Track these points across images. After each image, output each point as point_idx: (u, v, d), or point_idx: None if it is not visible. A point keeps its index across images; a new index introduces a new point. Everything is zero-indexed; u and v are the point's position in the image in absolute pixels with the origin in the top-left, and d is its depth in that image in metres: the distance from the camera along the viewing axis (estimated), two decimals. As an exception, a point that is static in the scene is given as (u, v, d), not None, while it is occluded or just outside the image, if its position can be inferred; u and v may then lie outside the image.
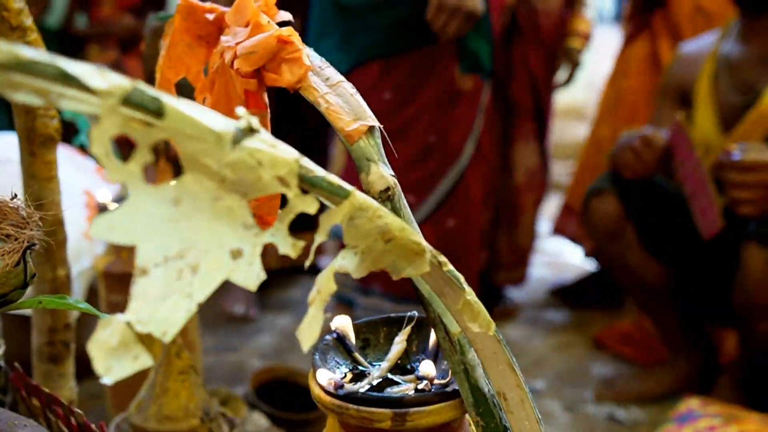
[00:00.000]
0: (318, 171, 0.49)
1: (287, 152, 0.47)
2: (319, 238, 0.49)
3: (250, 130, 0.46)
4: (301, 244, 0.48)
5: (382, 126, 2.05)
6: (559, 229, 2.52)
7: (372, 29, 1.90)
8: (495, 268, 2.37)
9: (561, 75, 2.33)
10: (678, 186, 1.71)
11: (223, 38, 0.71)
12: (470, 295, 0.55)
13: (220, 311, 2.35)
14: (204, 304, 1.90)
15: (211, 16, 0.80)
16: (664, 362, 1.89)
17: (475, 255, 2.09)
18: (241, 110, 0.47)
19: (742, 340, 1.66)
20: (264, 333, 2.21)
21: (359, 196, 0.50)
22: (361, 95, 2.04)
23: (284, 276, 2.48)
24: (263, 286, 2.51)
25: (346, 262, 0.51)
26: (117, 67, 2.87)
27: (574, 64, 2.29)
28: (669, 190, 1.76)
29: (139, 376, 1.18)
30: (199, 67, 0.82)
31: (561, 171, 3.62)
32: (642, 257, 1.77)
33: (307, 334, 0.50)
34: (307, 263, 0.51)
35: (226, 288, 2.36)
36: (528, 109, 2.27)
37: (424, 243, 0.52)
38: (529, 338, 2.23)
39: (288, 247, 0.48)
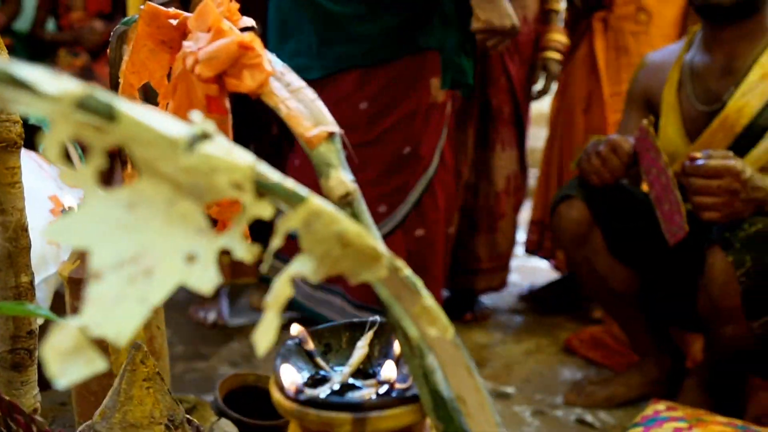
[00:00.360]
0: (274, 176, 0.49)
1: (243, 158, 0.48)
2: (275, 242, 0.49)
3: (205, 136, 0.46)
4: (257, 249, 0.48)
5: (357, 136, 2.03)
6: (531, 247, 2.55)
7: (353, 38, 1.91)
8: (476, 274, 2.39)
9: (538, 85, 2.37)
10: (644, 191, 1.73)
11: (185, 43, 0.71)
12: (428, 299, 0.55)
13: (190, 318, 2.33)
14: (174, 310, 1.90)
15: (174, 22, 0.80)
16: (633, 366, 1.91)
17: (441, 263, 2.11)
18: (196, 115, 0.47)
19: (707, 343, 1.68)
20: (234, 340, 2.20)
21: (315, 201, 0.50)
22: (338, 104, 2.04)
23: (255, 283, 2.47)
24: (235, 294, 2.51)
25: (302, 267, 0.51)
26: (87, 72, 2.85)
27: (551, 75, 2.32)
28: (636, 196, 1.78)
29: (105, 384, 1.17)
30: (162, 73, 0.82)
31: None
32: (609, 262, 1.79)
33: (263, 338, 0.50)
34: (264, 267, 0.51)
35: (198, 295, 2.34)
36: (508, 115, 2.31)
37: (382, 248, 0.52)
38: (500, 343, 2.25)
39: (243, 252, 0.48)
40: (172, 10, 0.80)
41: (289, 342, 0.70)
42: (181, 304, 2.37)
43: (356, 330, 0.72)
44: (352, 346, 0.71)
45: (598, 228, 1.77)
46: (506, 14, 1.80)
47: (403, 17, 1.85)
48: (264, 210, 0.48)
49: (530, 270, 2.92)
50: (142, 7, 0.81)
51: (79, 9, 3.00)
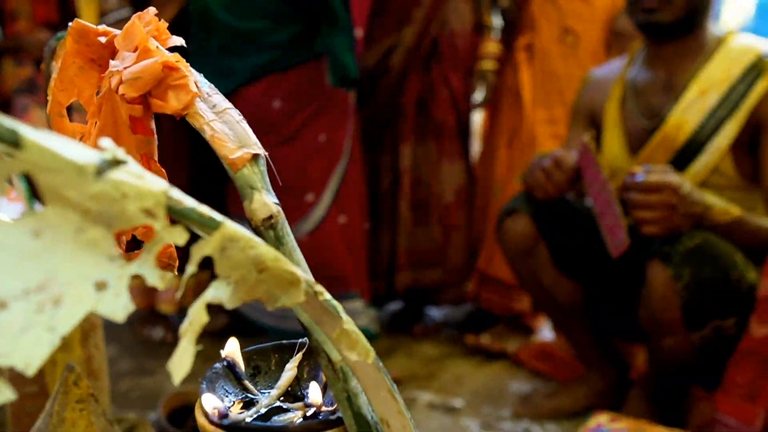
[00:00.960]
0: (188, 202, 0.48)
1: (155, 184, 0.47)
2: (190, 269, 0.49)
3: (116, 162, 0.46)
4: (170, 275, 0.48)
5: (277, 135, 2.11)
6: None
7: (264, 49, 2.03)
8: (445, 284, 2.40)
9: (477, 96, 2.40)
10: (589, 205, 1.76)
11: (111, 62, 0.71)
12: (348, 323, 0.55)
13: (137, 335, 2.30)
14: (121, 326, 1.86)
15: (103, 39, 0.79)
16: (579, 378, 1.93)
17: (363, 253, 2.20)
18: (105, 142, 0.46)
19: (649, 355, 1.70)
20: (182, 355, 2.17)
21: (231, 226, 0.50)
22: (252, 107, 2.11)
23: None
24: (183, 311, 2.47)
25: (218, 292, 0.51)
26: (32, 83, 2.80)
27: (489, 85, 2.36)
28: (580, 210, 1.81)
29: (41, 405, 1.15)
30: (91, 91, 0.81)
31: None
32: (554, 275, 1.81)
33: (179, 366, 0.49)
34: (178, 294, 0.50)
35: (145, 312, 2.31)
36: (452, 128, 2.33)
37: (300, 273, 0.52)
38: (449, 356, 2.25)
39: (155, 279, 0.48)
40: (101, 27, 0.79)
41: (217, 365, 0.69)
42: (128, 319, 2.33)
43: (286, 352, 0.72)
44: (281, 368, 0.71)
45: (544, 242, 1.79)
46: None
47: (306, 24, 2.01)
48: (178, 237, 0.48)
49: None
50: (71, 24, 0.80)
51: (25, 18, 2.95)
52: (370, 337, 2.27)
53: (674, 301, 1.50)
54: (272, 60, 2.03)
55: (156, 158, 0.69)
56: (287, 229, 0.61)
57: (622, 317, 1.83)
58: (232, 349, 0.70)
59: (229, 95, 2.10)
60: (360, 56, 2.31)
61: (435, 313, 2.55)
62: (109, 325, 2.01)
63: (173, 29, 0.75)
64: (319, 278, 1.99)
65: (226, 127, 0.64)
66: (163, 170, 0.70)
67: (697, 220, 1.54)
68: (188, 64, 0.68)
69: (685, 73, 1.74)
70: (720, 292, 1.50)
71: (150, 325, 2.29)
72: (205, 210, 0.49)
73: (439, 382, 2.07)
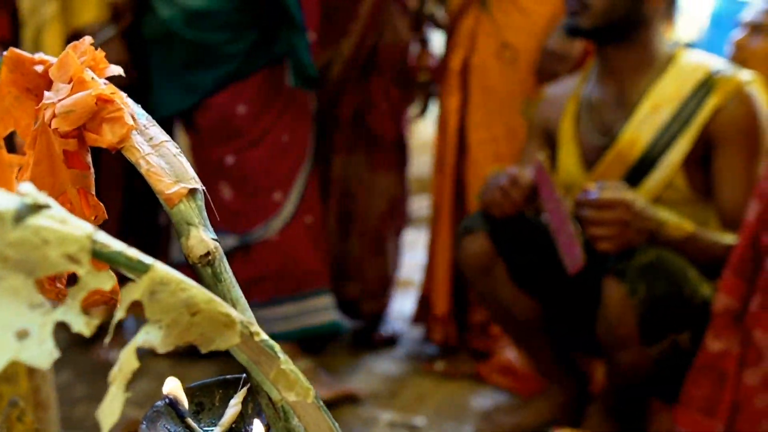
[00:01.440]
0: (114, 245, 0.47)
1: (78, 228, 0.46)
2: (119, 314, 0.47)
3: (37, 207, 0.44)
4: (96, 321, 0.46)
5: (243, 139, 2.14)
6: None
7: (225, 59, 2.07)
8: (363, 297, 2.41)
9: (415, 108, 2.48)
10: (546, 222, 1.77)
11: (45, 94, 0.69)
12: (285, 363, 0.54)
13: (95, 359, 2.25)
14: (77, 350, 1.81)
15: (39, 69, 0.77)
16: (540, 393, 1.93)
17: (326, 254, 2.24)
18: (26, 187, 0.44)
19: (608, 369, 1.71)
20: (140, 380, 2.13)
21: (160, 269, 0.48)
22: (217, 115, 2.14)
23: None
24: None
25: (150, 336, 0.49)
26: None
27: (427, 97, 2.43)
28: (538, 227, 1.81)
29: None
30: (28, 121, 0.79)
31: (418, 205, 3.65)
32: (513, 292, 1.81)
33: (108, 413, 0.48)
34: (107, 340, 0.49)
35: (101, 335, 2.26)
36: (391, 139, 2.36)
37: (234, 314, 0.51)
38: (410, 374, 2.24)
39: (81, 325, 0.46)
40: (37, 56, 0.77)
41: (159, 402, 0.68)
42: (84, 343, 2.28)
43: (230, 387, 0.70)
44: (225, 404, 0.69)
45: (502, 260, 1.79)
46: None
47: (263, 31, 2.06)
48: (104, 282, 0.46)
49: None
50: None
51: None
52: (343, 330, 2.29)
53: (630, 317, 1.51)
54: (234, 69, 2.07)
55: (93, 191, 0.68)
56: (225, 265, 0.60)
57: (581, 332, 1.84)
58: (173, 386, 0.68)
59: (195, 107, 2.12)
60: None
61: (396, 328, 2.54)
62: (64, 349, 1.97)
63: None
64: (290, 275, 2.01)
65: (163, 161, 0.62)
66: (101, 204, 0.68)
67: (650, 235, 1.55)
68: (124, 95, 0.67)
69: (636, 89, 1.76)
70: (674, 307, 1.52)
71: (107, 347, 2.24)
72: (133, 253, 0.48)
73: (400, 401, 2.06)
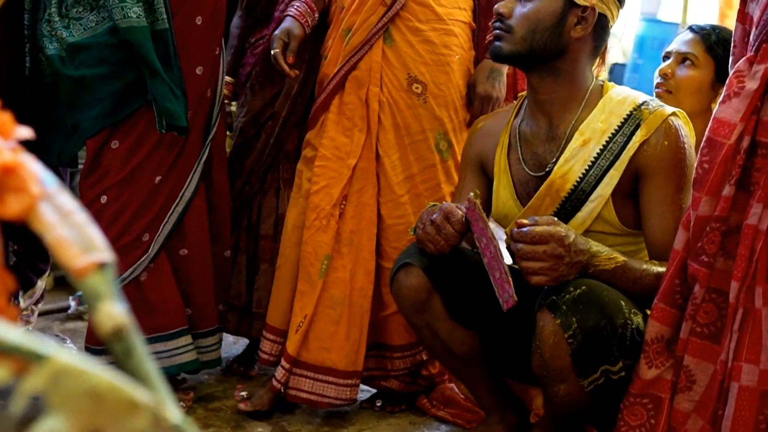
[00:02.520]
0: (11, 336, 0.45)
1: (-30, 320, 0.43)
2: (16, 406, 0.45)
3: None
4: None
5: (112, 175, 2.11)
6: None
7: (104, 98, 2.05)
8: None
9: None
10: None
11: (-52, 160, 0.66)
12: (198, 445, 0.52)
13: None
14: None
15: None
16: (479, 424, 1.94)
17: (211, 283, 2.25)
18: None
19: (545, 400, 1.73)
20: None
21: (61, 358, 0.46)
22: (92, 153, 2.05)
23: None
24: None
25: (54, 426, 0.47)
26: None
27: None
28: (473, 260, 1.82)
29: None
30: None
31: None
32: (450, 327, 1.81)
33: None
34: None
35: None
36: (291, 156, 2.36)
37: (140, 398, 0.49)
38: (353, 409, 2.22)
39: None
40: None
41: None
42: None
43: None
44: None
45: (437, 294, 1.79)
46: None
47: (137, 72, 2.04)
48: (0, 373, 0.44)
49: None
50: None
51: None
52: (215, 364, 2.28)
53: (564, 350, 1.53)
54: (110, 108, 2.06)
55: (3, 264, 0.65)
56: (137, 340, 0.58)
57: (520, 362, 1.85)
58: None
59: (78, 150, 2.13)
60: (245, 101, 2.36)
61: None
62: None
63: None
64: (155, 316, 1.95)
65: (71, 232, 0.60)
66: (11, 276, 0.66)
67: (583, 267, 1.58)
68: (32, 161, 0.64)
69: (566, 123, 1.79)
70: (607, 339, 1.54)
71: None
72: (31, 344, 0.46)
73: (342, 435, 2.04)
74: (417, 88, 2.15)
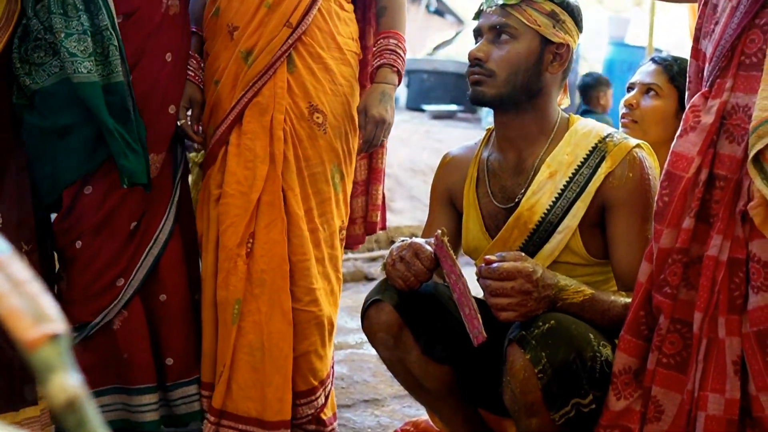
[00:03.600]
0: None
1: None
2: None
3: None
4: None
5: (87, 220, 2.09)
6: None
7: (75, 147, 2.01)
8: None
9: None
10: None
11: None
12: None
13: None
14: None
15: None
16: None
17: (187, 328, 2.19)
18: None
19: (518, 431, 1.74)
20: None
21: None
22: (67, 200, 2.03)
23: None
24: None
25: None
26: None
27: None
28: (444, 295, 1.83)
29: None
30: None
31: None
32: (422, 362, 1.82)
33: None
34: None
35: None
36: None
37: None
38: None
39: None
40: None
41: None
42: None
43: None
44: None
45: (409, 329, 1.80)
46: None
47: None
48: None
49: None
50: None
51: None
52: (197, 416, 2.20)
53: (534, 385, 1.54)
54: (86, 158, 2.02)
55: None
56: (90, 410, 0.58)
57: (493, 394, 1.86)
58: None
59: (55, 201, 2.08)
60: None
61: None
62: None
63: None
64: (123, 367, 1.91)
65: (23, 302, 0.61)
66: None
67: (551, 302, 1.60)
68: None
69: (534, 156, 1.81)
70: (576, 372, 1.55)
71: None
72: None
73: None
74: (318, 117, 2.10)
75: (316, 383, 2.12)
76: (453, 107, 9.04)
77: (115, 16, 2.00)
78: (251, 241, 2.07)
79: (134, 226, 2.10)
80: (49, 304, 0.62)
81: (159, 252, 2.13)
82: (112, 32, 1.97)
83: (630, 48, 7.29)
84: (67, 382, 0.58)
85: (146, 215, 2.12)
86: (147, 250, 2.11)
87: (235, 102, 2.09)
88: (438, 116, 8.97)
